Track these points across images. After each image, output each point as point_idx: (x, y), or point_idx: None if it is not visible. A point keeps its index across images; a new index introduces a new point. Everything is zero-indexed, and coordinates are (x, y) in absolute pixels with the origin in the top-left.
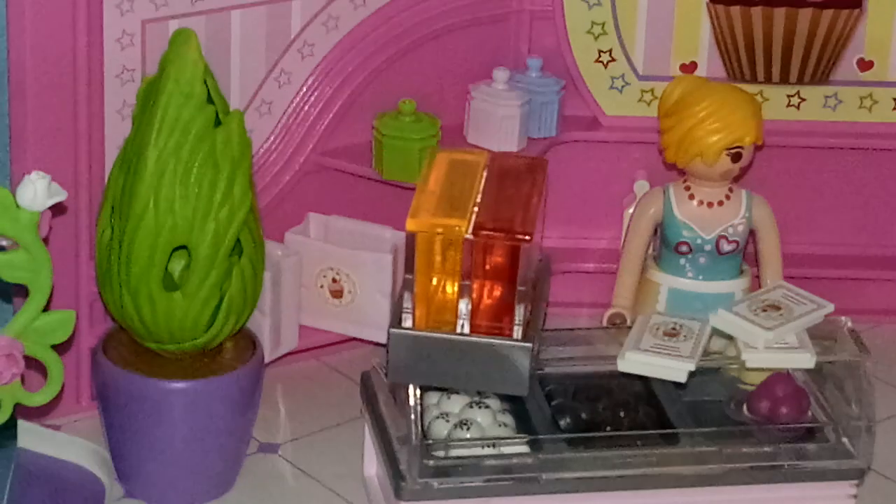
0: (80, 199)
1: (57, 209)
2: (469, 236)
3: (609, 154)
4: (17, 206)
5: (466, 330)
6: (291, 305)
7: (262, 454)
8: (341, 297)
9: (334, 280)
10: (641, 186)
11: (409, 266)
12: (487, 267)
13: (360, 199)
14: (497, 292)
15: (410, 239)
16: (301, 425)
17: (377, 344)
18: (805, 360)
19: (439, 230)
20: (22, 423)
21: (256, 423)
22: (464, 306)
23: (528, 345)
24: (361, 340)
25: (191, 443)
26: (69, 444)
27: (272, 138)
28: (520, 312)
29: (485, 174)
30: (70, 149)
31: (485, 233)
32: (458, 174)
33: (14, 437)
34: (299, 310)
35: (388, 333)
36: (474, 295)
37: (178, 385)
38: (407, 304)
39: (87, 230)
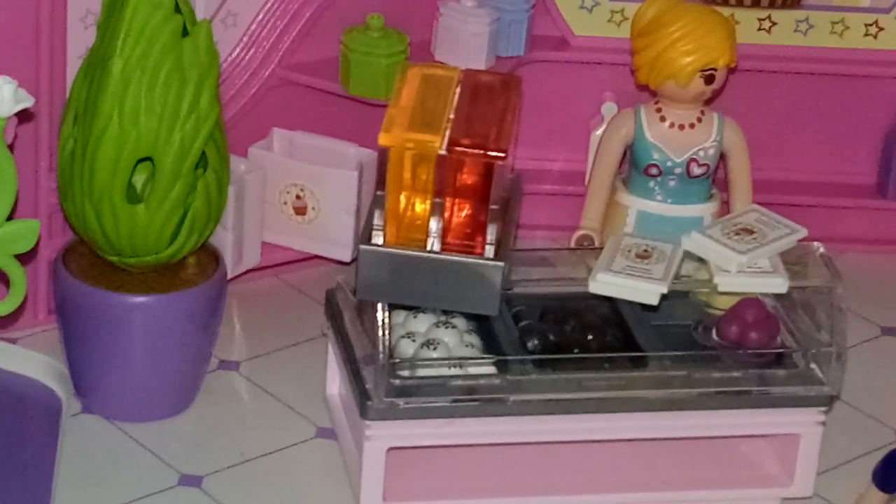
0: (40, 109)
1: (22, 117)
2: (443, 152)
3: (577, 75)
4: None
5: (437, 248)
6: (254, 221)
7: (222, 371)
8: (305, 213)
9: (298, 196)
10: (609, 108)
11: (381, 182)
12: (460, 184)
13: (325, 114)
14: (469, 210)
15: (383, 154)
16: (261, 343)
17: (339, 262)
18: (778, 284)
19: (412, 145)
20: None
21: (217, 341)
22: (434, 224)
23: (501, 264)
24: (323, 259)
25: (151, 358)
26: (26, 357)
27: (237, 51)
28: (492, 231)
29: (458, 90)
30: (31, 57)
31: (459, 149)
32: (431, 90)
33: None
34: (262, 226)
35: (359, 250)
36: (446, 213)
37: (140, 299)
38: (378, 220)
39: (47, 141)
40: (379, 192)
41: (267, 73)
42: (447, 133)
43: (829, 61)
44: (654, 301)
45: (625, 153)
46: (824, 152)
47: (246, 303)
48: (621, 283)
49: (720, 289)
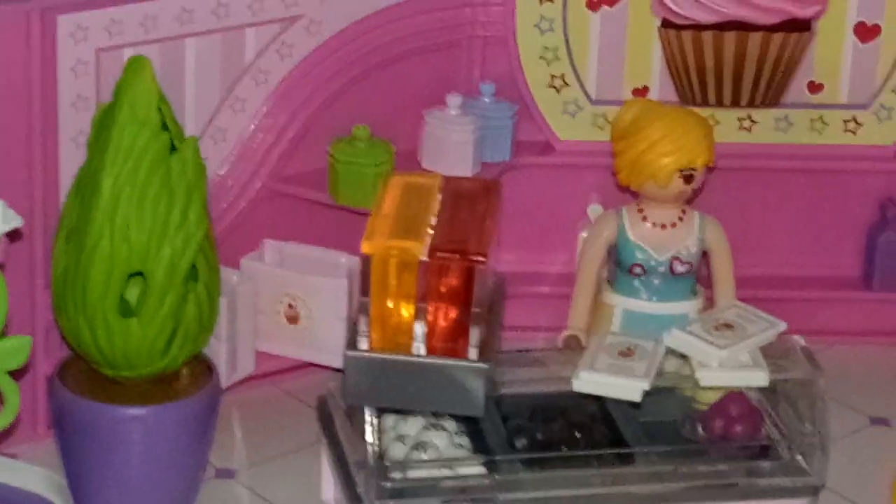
0: (34, 227)
1: (12, 236)
2: (424, 258)
3: (563, 178)
4: None
5: (423, 352)
6: (247, 331)
7: (218, 480)
8: (297, 322)
9: (290, 306)
10: (595, 210)
11: (365, 288)
12: (443, 289)
13: (315, 224)
14: (452, 314)
15: (366, 261)
16: (258, 451)
17: (334, 369)
18: (759, 378)
19: (394, 252)
20: None
21: (213, 449)
22: (420, 328)
23: (483, 366)
24: (318, 366)
25: (148, 469)
26: (25, 471)
27: (227, 165)
28: (475, 334)
29: (439, 197)
30: (25, 177)
31: (440, 255)
32: (412, 197)
33: None
34: (256, 335)
35: (344, 356)
36: (430, 317)
37: (135, 411)
38: (362, 326)
39: (42, 258)
40: (363, 298)
41: (257, 186)
42: (428, 239)
43: (809, 158)
44: (637, 398)
45: (609, 254)
46: (809, 247)
47: (243, 411)
48: (604, 381)
49: (701, 384)
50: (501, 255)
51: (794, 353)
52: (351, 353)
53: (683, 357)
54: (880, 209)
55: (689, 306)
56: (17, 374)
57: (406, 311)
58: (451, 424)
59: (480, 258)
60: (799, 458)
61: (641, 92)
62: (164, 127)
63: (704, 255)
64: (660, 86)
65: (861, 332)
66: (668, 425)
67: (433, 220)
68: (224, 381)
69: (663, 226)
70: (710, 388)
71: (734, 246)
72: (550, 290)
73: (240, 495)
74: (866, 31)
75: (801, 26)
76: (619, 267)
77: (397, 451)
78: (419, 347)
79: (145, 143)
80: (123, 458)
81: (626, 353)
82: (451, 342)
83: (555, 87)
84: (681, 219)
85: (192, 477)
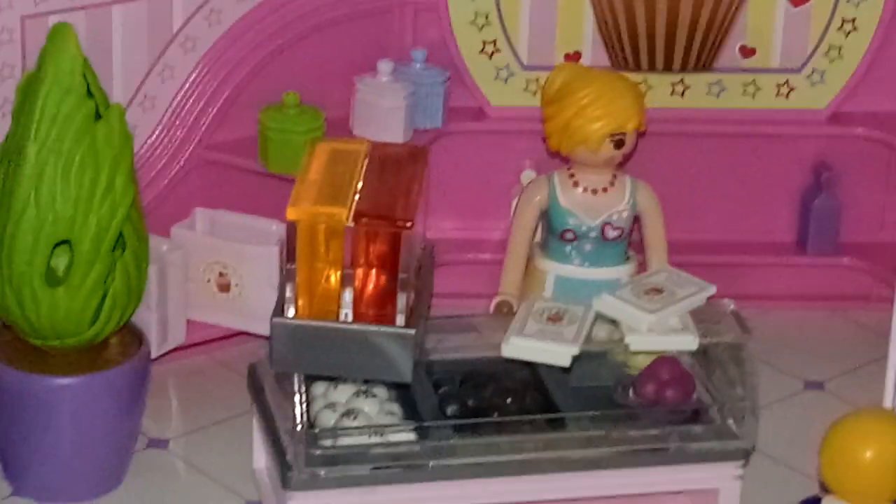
0: None
1: None
2: (350, 224)
3: (496, 144)
4: None
5: (350, 318)
6: (178, 300)
7: (151, 449)
8: (228, 290)
9: (221, 274)
10: (528, 176)
11: (291, 255)
12: (369, 255)
13: (246, 192)
14: (379, 280)
15: (291, 228)
16: (191, 420)
17: (265, 337)
18: (688, 342)
19: (320, 218)
20: None
21: (146, 419)
22: (347, 295)
23: (410, 332)
24: (250, 334)
25: (78, 439)
26: None
27: (156, 133)
28: (402, 300)
29: (366, 163)
30: None
31: (365, 220)
32: (338, 163)
33: None
34: (187, 304)
35: (270, 323)
36: (357, 283)
37: (64, 381)
38: (289, 293)
39: None
40: (290, 265)
41: (187, 154)
42: (354, 205)
43: (742, 122)
44: (566, 363)
45: (541, 219)
46: (743, 211)
47: (176, 380)
48: (533, 346)
49: (631, 348)
50: (439, 222)
51: (725, 317)
52: (277, 320)
53: (614, 322)
54: (814, 173)
55: (621, 272)
56: None
57: (333, 277)
58: (381, 391)
59: (406, 223)
60: (730, 421)
61: (574, 57)
62: (90, 94)
63: (637, 220)
64: (592, 50)
65: (796, 296)
66: (599, 390)
67: (359, 186)
68: (154, 351)
69: (594, 191)
70: (641, 353)
71: (668, 211)
72: (491, 257)
73: (173, 465)
74: None
75: None
76: (551, 233)
77: (327, 419)
78: (346, 314)
79: (70, 111)
80: (53, 428)
81: (556, 318)
82: (378, 308)
83: (486, 53)
84: (612, 184)
85: (123, 447)
